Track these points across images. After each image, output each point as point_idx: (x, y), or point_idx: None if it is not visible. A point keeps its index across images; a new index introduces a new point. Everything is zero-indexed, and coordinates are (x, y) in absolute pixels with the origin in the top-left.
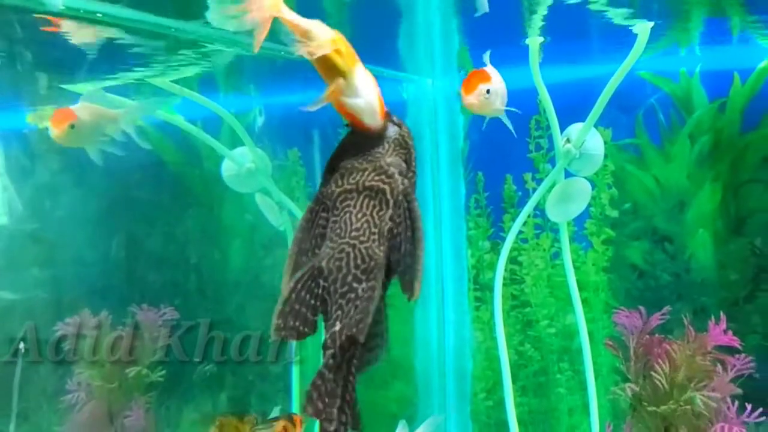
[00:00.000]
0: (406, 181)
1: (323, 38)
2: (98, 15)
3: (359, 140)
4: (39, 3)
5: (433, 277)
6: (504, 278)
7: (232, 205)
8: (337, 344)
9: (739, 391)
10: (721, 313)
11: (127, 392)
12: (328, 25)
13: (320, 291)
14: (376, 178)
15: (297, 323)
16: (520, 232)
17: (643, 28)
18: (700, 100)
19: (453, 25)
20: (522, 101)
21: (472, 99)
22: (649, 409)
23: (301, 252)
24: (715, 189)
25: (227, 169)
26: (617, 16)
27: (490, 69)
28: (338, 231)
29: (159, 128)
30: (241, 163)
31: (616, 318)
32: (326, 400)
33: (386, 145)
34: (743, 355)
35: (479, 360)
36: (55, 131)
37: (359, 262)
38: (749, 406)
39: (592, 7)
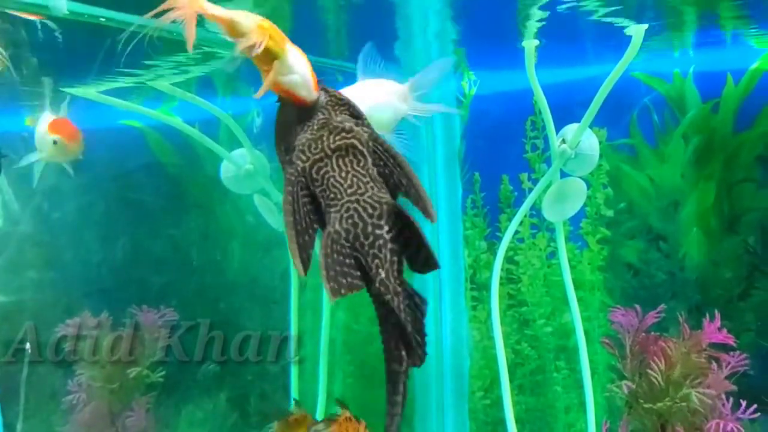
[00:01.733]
0: (365, 128)
1: (250, 26)
2: (101, 19)
3: (297, 115)
4: (43, 8)
5: (430, 276)
6: (500, 278)
7: (231, 207)
8: (391, 289)
9: (734, 388)
10: (716, 311)
11: (128, 393)
12: (329, 31)
13: (348, 250)
14: (338, 138)
15: (348, 279)
16: (517, 231)
17: (637, 30)
18: (693, 100)
19: (449, 28)
20: (518, 102)
21: None
22: (646, 406)
23: (299, 233)
24: (709, 188)
25: (226, 170)
26: (612, 18)
27: None
28: (332, 196)
29: (158, 131)
30: (239, 165)
31: (612, 316)
32: (399, 343)
33: (325, 111)
34: (738, 352)
35: (476, 359)
36: (72, 145)
37: (370, 211)
38: (744, 403)
39: (586, 9)
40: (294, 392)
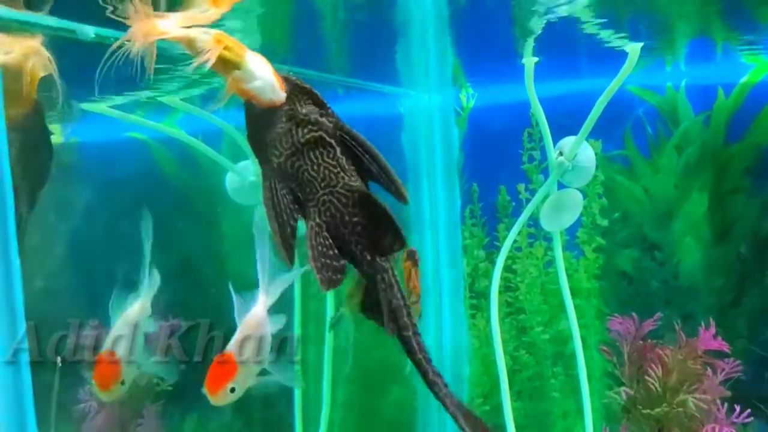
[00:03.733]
0: (330, 118)
1: (207, 41)
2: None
3: (265, 111)
4: (70, 32)
5: (429, 285)
6: (499, 286)
7: (235, 218)
8: (379, 267)
9: (729, 393)
10: (710, 320)
11: (138, 400)
12: (330, 46)
13: (331, 241)
14: (305, 131)
15: (330, 273)
16: (514, 241)
17: (633, 48)
18: (686, 113)
19: (447, 43)
20: (515, 115)
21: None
22: (644, 411)
23: (282, 226)
24: (701, 198)
25: (231, 182)
26: (608, 36)
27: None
28: (308, 191)
29: (163, 143)
30: (244, 176)
31: (610, 324)
32: (401, 312)
33: (290, 103)
34: (731, 359)
35: (476, 366)
36: (103, 395)
37: (344, 201)
38: (737, 408)
39: (583, 28)
40: (298, 399)
